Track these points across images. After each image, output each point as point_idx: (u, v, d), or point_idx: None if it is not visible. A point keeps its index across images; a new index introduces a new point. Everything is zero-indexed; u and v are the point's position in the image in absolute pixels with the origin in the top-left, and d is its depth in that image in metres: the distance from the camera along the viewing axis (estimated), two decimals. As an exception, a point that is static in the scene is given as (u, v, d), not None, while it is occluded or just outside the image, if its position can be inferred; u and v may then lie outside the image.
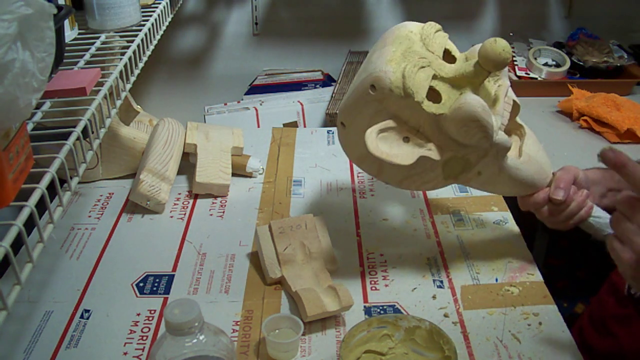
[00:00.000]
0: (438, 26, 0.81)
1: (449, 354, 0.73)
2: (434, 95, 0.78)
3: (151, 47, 1.04)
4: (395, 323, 0.78)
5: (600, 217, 0.86)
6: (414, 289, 0.91)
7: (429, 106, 0.77)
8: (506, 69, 0.82)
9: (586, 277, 1.49)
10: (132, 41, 0.96)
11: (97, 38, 0.96)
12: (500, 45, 0.74)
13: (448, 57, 0.82)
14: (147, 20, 1.04)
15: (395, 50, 0.78)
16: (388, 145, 0.79)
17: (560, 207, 0.85)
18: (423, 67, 0.77)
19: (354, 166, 1.24)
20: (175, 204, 1.12)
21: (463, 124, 0.76)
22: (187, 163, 1.19)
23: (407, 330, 0.78)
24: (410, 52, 0.77)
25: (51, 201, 0.60)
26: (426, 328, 0.76)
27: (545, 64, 1.69)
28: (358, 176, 1.21)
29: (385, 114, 0.78)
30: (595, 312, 0.97)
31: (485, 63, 0.75)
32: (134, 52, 0.94)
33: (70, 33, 0.95)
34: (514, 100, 0.83)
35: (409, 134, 0.80)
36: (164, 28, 1.14)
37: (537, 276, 0.93)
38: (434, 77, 0.77)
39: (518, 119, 0.87)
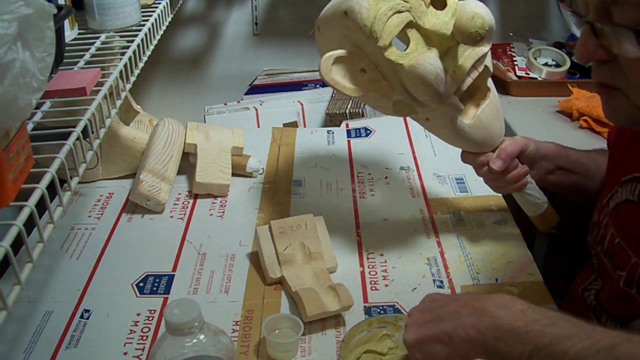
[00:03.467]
0: None
1: None
2: (404, 38, 0.79)
3: (151, 47, 1.04)
4: (396, 323, 0.78)
5: (531, 195, 0.91)
6: (414, 289, 0.91)
7: (391, 53, 0.78)
8: (491, 36, 0.81)
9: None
10: (132, 41, 0.96)
11: (97, 38, 0.96)
12: (476, 24, 0.73)
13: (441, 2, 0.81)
14: (147, 20, 1.04)
15: None
16: (343, 73, 0.82)
17: (495, 175, 0.89)
18: (400, 11, 0.77)
19: (354, 166, 1.24)
20: (175, 204, 1.12)
21: (414, 82, 0.78)
22: (187, 163, 1.19)
23: None
24: None
25: (51, 201, 0.60)
26: None
27: (545, 64, 1.68)
28: (358, 176, 1.21)
29: (350, 41, 0.81)
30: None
31: (457, 35, 0.76)
32: (134, 52, 0.94)
33: (70, 33, 0.95)
34: (485, 66, 0.84)
35: (367, 67, 0.82)
36: (164, 28, 1.14)
37: (537, 276, 0.93)
38: (410, 24, 0.78)
39: (489, 83, 0.87)
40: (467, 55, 0.81)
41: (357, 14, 0.77)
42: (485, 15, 0.75)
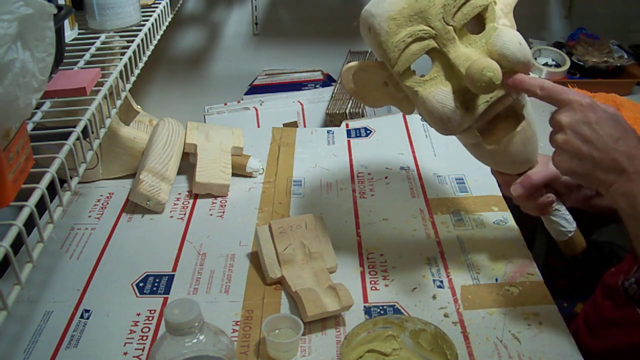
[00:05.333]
0: None
1: (450, 359, 0.73)
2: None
3: (151, 47, 1.04)
4: (401, 324, 0.78)
5: (555, 222, 0.87)
6: (414, 289, 0.91)
7: (407, 79, 0.76)
8: (525, 70, 0.75)
9: (586, 277, 1.49)
10: (132, 41, 0.96)
11: (97, 38, 0.96)
12: (484, 78, 0.70)
13: (479, 24, 0.77)
14: (147, 20, 1.04)
15: (406, 8, 0.74)
16: (365, 83, 0.81)
17: (519, 198, 0.85)
18: (422, 38, 0.74)
19: (354, 166, 1.24)
20: (175, 204, 1.12)
21: (423, 113, 0.77)
22: (187, 163, 1.19)
23: (413, 333, 0.78)
24: (419, 16, 0.73)
25: (51, 201, 0.60)
26: (431, 331, 0.76)
27: (545, 64, 1.68)
28: (358, 176, 1.21)
29: (377, 54, 0.79)
30: (590, 315, 0.96)
31: (467, 82, 0.72)
32: (134, 52, 0.94)
33: (70, 33, 0.95)
34: (515, 98, 0.78)
35: (389, 81, 0.80)
36: (164, 28, 1.14)
37: (537, 276, 0.93)
38: (433, 50, 0.75)
39: (526, 111, 0.80)
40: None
41: (377, 35, 0.75)
42: (496, 70, 0.70)
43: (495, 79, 0.70)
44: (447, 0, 0.73)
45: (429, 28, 0.74)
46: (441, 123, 0.76)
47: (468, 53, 0.74)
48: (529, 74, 0.76)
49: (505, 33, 0.75)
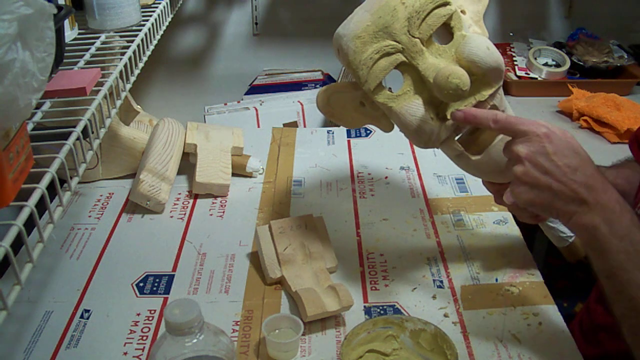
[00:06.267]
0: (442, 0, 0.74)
1: (450, 359, 0.73)
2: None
3: (151, 47, 1.04)
4: (401, 324, 0.78)
5: (554, 228, 0.88)
6: (414, 289, 0.91)
7: (379, 96, 0.76)
8: (496, 76, 0.75)
9: (586, 277, 1.49)
10: (132, 41, 0.96)
11: (97, 38, 0.96)
12: (450, 85, 0.69)
13: (447, 34, 0.76)
14: (147, 20, 1.04)
15: (370, 26, 0.73)
16: (341, 105, 0.81)
17: (512, 206, 0.83)
18: (389, 53, 0.74)
19: (354, 166, 1.24)
20: (175, 204, 1.12)
21: (400, 127, 0.77)
22: (187, 163, 1.19)
23: (413, 333, 0.78)
24: (384, 32, 0.73)
25: (51, 201, 0.60)
26: (431, 332, 0.76)
27: (545, 64, 1.69)
28: (358, 176, 1.21)
29: (350, 73, 0.79)
30: (584, 320, 0.96)
31: (435, 90, 0.72)
32: (134, 52, 0.94)
33: (70, 33, 0.95)
34: (493, 105, 0.77)
35: (366, 101, 0.80)
36: (164, 28, 1.14)
37: (537, 276, 0.93)
38: (402, 64, 0.75)
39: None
40: (461, 102, 0.74)
41: (345, 55, 0.75)
42: (462, 76, 0.70)
43: (462, 85, 0.70)
44: (411, 13, 0.73)
45: (395, 42, 0.73)
46: (417, 136, 0.76)
47: (437, 63, 0.73)
48: (502, 78, 0.76)
49: (473, 39, 0.74)
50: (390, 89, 0.77)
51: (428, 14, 0.73)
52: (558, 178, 0.67)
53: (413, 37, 0.74)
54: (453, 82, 0.69)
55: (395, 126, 0.83)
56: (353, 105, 0.81)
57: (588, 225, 0.67)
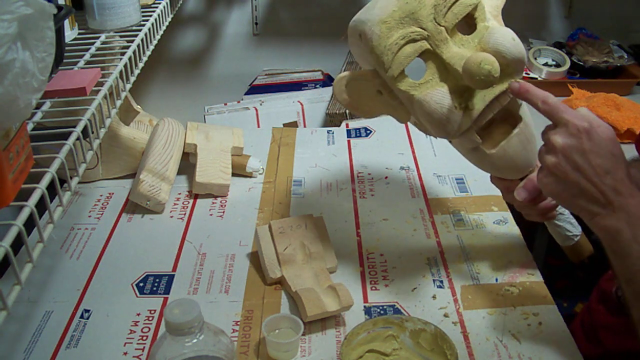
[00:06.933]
0: None
1: (450, 359, 0.73)
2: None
3: (151, 47, 1.04)
4: (401, 324, 0.78)
5: (560, 227, 0.87)
6: (414, 289, 0.91)
7: (402, 83, 0.75)
8: (519, 69, 0.75)
9: (586, 277, 1.49)
10: (132, 41, 0.96)
11: (97, 38, 0.96)
12: (482, 71, 0.68)
13: (469, 27, 0.75)
14: (147, 20, 1.04)
15: (396, 11, 0.73)
16: (358, 93, 0.79)
17: (522, 204, 0.83)
18: (415, 40, 0.73)
19: (354, 166, 1.24)
20: (175, 204, 1.12)
21: (422, 116, 0.76)
22: (187, 163, 1.19)
23: (413, 333, 0.78)
24: (410, 18, 0.73)
25: (51, 201, 0.60)
26: (431, 331, 0.76)
27: (545, 64, 1.68)
28: (358, 176, 1.21)
29: (368, 61, 0.78)
30: (586, 320, 0.96)
31: (465, 78, 0.71)
32: (134, 52, 0.94)
33: (70, 33, 0.95)
34: (513, 97, 0.78)
35: (383, 90, 0.79)
36: (164, 28, 1.14)
37: (537, 276, 0.93)
38: (426, 52, 0.74)
39: (522, 112, 0.80)
40: (485, 91, 0.75)
41: (369, 40, 0.74)
42: (494, 63, 0.69)
43: (494, 71, 0.69)
44: (437, 0, 0.73)
45: (421, 29, 0.73)
46: (441, 124, 0.75)
47: (462, 52, 0.73)
48: (524, 70, 0.75)
49: (498, 30, 0.74)
50: (408, 77, 0.76)
51: (454, 2, 0.73)
52: (588, 177, 0.66)
53: (439, 25, 0.73)
54: (485, 68, 0.68)
55: (397, 122, 0.83)
56: (370, 93, 0.80)
57: (611, 228, 0.67)
